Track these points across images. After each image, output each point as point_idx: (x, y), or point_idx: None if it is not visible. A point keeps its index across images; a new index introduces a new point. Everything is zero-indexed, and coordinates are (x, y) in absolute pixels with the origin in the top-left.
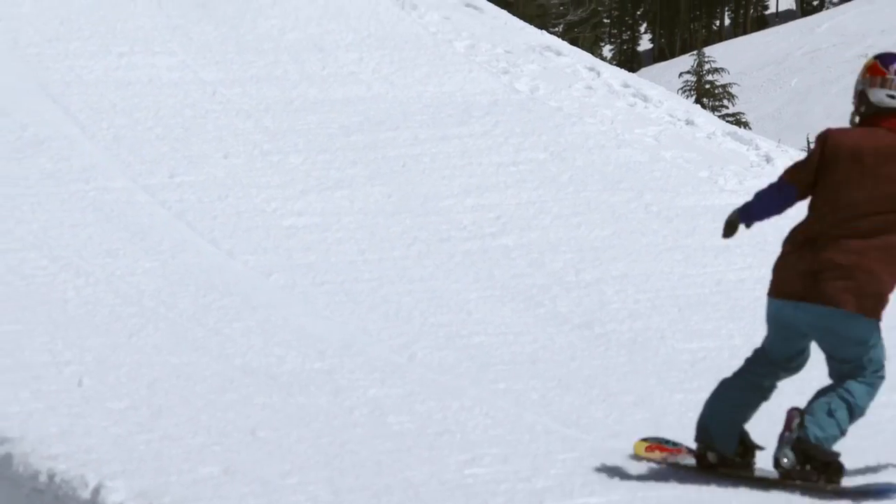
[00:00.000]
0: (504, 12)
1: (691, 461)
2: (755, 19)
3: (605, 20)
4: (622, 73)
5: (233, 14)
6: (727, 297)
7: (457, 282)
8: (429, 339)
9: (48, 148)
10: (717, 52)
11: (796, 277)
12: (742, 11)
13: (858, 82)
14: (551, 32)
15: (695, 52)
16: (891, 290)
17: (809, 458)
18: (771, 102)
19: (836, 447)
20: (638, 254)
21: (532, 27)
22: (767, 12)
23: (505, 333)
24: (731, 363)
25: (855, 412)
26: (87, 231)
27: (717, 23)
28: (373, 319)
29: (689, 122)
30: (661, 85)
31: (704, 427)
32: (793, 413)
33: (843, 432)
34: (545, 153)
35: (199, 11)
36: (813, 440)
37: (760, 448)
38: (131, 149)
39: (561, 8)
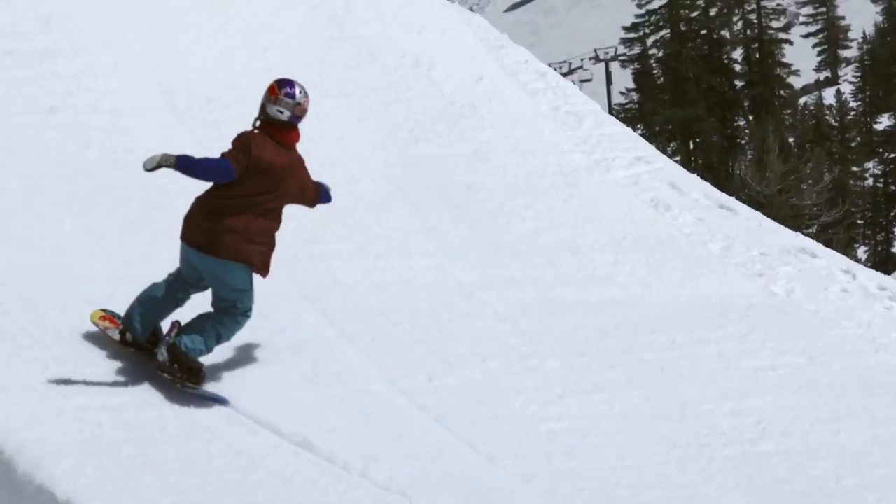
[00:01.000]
0: (758, 213)
1: (116, 336)
2: None
3: (859, 221)
4: (878, 276)
5: (487, 216)
6: None
7: (718, 488)
8: None
9: (306, 351)
10: None
11: (200, 232)
12: None
13: (263, 97)
14: (805, 234)
15: None
16: (268, 254)
17: (178, 361)
18: None
19: (204, 360)
20: None
21: (786, 229)
22: None
23: None
24: None
25: (221, 338)
26: (346, 435)
27: None
28: None
29: None
30: None
31: (130, 315)
32: (175, 324)
33: (209, 349)
34: (803, 357)
35: (453, 213)
36: (183, 348)
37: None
38: (389, 351)
39: (814, 209)
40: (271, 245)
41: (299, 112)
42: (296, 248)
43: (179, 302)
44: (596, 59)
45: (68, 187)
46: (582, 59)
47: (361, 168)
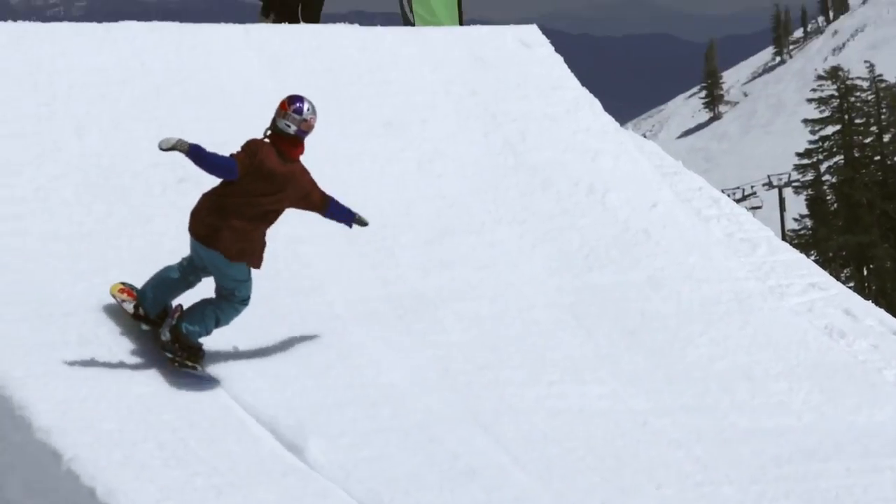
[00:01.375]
0: None
1: (130, 309)
2: None
3: None
4: None
5: (661, 343)
6: None
7: None
8: None
9: (480, 477)
10: None
11: (204, 226)
12: None
13: (275, 111)
14: None
15: None
16: (260, 251)
17: (178, 341)
18: None
19: (203, 341)
20: None
21: None
22: None
23: None
24: None
25: (220, 322)
26: None
27: None
28: None
29: None
30: None
31: (144, 292)
32: (178, 307)
33: (208, 332)
34: None
35: (628, 340)
36: (183, 330)
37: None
38: (563, 479)
39: None
40: (263, 241)
41: (305, 127)
42: (469, 375)
43: (190, 284)
44: (769, 185)
45: (244, 314)
46: (752, 186)
47: (535, 294)
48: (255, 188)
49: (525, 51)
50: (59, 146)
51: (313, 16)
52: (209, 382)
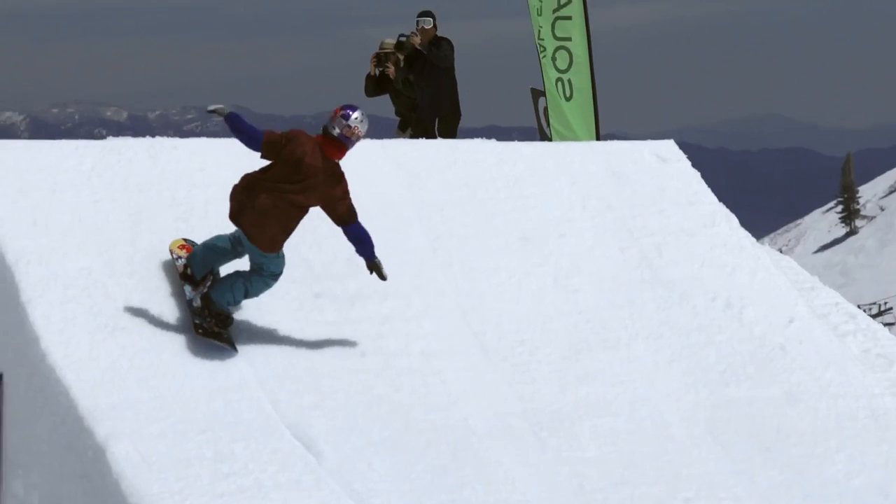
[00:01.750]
0: None
1: (181, 267)
2: None
3: None
4: None
5: (797, 458)
6: None
7: None
8: None
9: None
10: None
11: (236, 203)
12: None
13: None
14: None
15: None
16: (281, 233)
17: (208, 307)
18: None
19: (233, 310)
20: None
21: None
22: None
23: None
24: None
25: (249, 293)
26: None
27: None
28: None
29: None
30: None
31: (195, 253)
32: (208, 276)
33: (236, 301)
34: None
35: (763, 456)
36: (213, 297)
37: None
38: None
39: None
40: (286, 230)
41: (348, 133)
42: (605, 492)
43: (239, 254)
44: None
45: (378, 429)
46: (887, 301)
47: (671, 411)
48: (282, 174)
49: (662, 165)
50: None
51: (450, 130)
52: (230, 352)
